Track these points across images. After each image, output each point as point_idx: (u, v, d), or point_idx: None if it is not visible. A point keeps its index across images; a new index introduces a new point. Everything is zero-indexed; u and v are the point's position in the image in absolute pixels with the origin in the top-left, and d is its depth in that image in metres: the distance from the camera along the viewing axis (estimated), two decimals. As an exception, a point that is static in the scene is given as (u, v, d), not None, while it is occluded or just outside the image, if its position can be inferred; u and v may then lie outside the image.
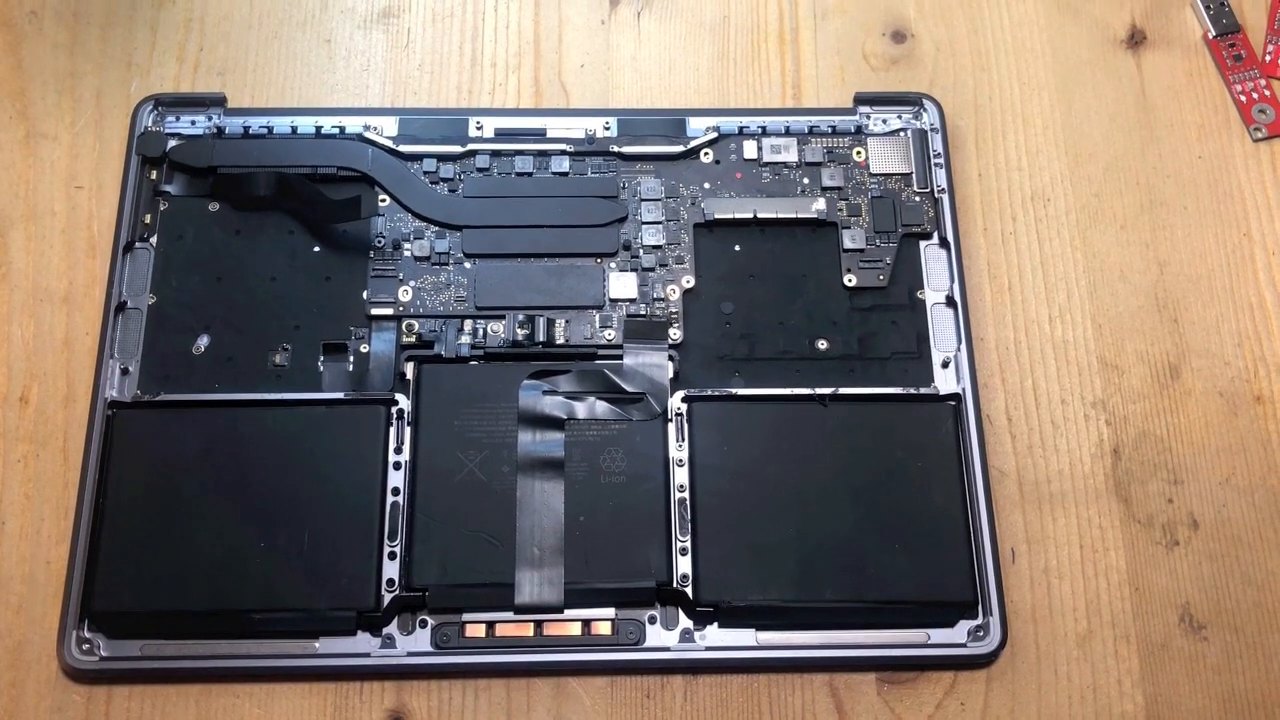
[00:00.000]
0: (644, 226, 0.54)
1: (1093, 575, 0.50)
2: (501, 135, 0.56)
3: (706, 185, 0.55)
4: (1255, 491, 0.52)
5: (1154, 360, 0.54)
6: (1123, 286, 0.55)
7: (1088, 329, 0.54)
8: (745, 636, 0.48)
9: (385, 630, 0.47)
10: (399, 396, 0.50)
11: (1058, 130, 0.58)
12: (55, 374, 0.52)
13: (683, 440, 0.50)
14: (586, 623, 0.48)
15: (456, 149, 0.55)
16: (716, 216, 0.54)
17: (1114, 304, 0.55)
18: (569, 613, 0.48)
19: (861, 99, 0.57)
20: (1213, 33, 0.59)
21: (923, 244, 0.55)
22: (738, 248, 0.54)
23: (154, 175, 0.54)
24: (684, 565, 0.48)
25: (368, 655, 0.47)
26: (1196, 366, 0.54)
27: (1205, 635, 0.49)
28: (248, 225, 0.54)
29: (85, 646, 0.47)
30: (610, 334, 0.52)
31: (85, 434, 0.49)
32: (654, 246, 0.54)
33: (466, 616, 0.48)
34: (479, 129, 0.56)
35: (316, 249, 0.53)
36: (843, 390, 0.51)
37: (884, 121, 0.57)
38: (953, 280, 0.54)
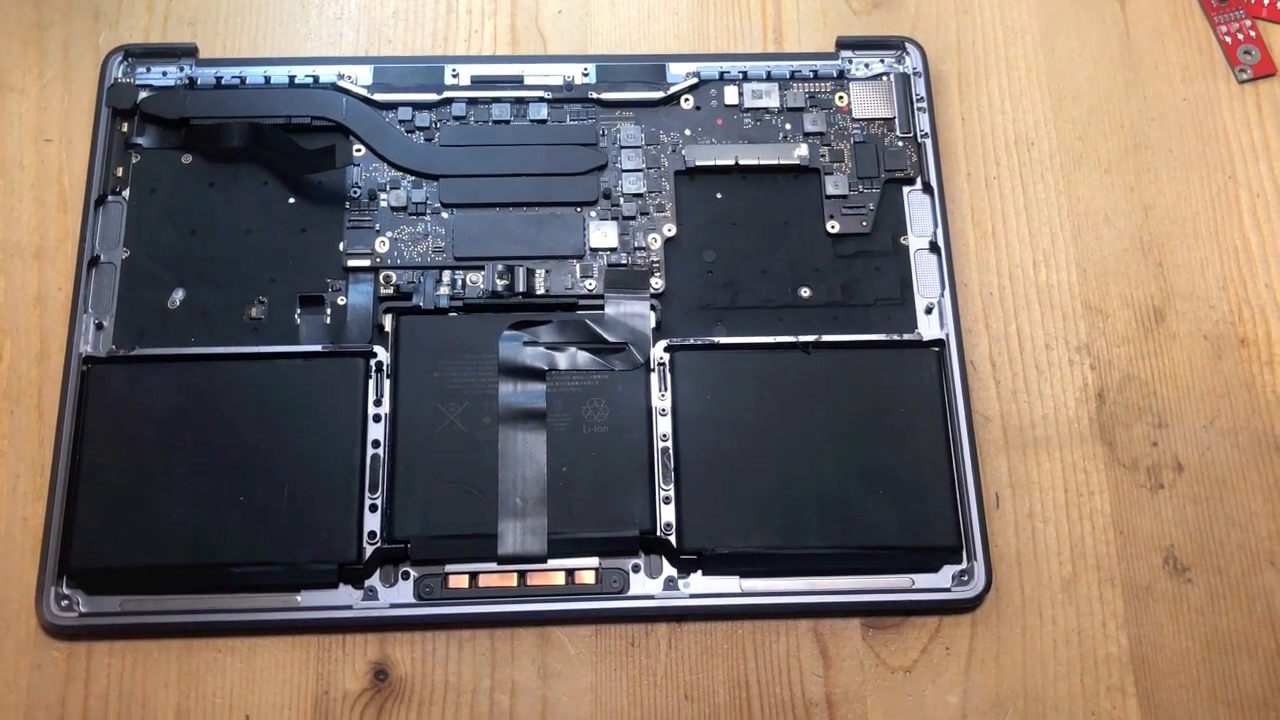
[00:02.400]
0: (624, 174, 0.53)
1: (1077, 519, 0.50)
2: (478, 83, 0.55)
3: (687, 132, 0.54)
4: (1240, 434, 0.51)
5: (1138, 304, 0.54)
6: (1107, 230, 0.55)
7: (1072, 273, 0.54)
8: (729, 584, 0.48)
9: (367, 582, 0.47)
10: (377, 349, 0.50)
11: (1041, 73, 0.57)
12: (28, 330, 0.51)
13: (665, 390, 0.50)
14: (570, 572, 0.48)
15: (432, 97, 0.54)
16: (697, 164, 0.54)
17: (1098, 248, 0.54)
18: (552, 563, 0.47)
19: (843, 43, 0.56)
20: (1198, -27, 0.59)
21: (906, 189, 0.54)
22: (719, 195, 0.54)
23: (125, 128, 0.53)
24: (667, 514, 0.48)
25: (350, 608, 0.47)
26: (1181, 310, 0.54)
27: (1189, 577, 0.49)
28: (221, 177, 0.53)
29: (64, 603, 0.46)
30: (591, 284, 0.52)
31: (60, 390, 0.49)
32: (634, 195, 0.53)
33: (449, 568, 0.47)
34: (455, 77, 0.55)
35: (291, 200, 0.52)
36: (826, 338, 0.51)
37: (866, 66, 0.56)
38: (936, 226, 0.53)
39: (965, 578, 0.48)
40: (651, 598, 0.48)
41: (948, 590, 0.48)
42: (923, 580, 0.48)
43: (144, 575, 0.47)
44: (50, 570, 0.46)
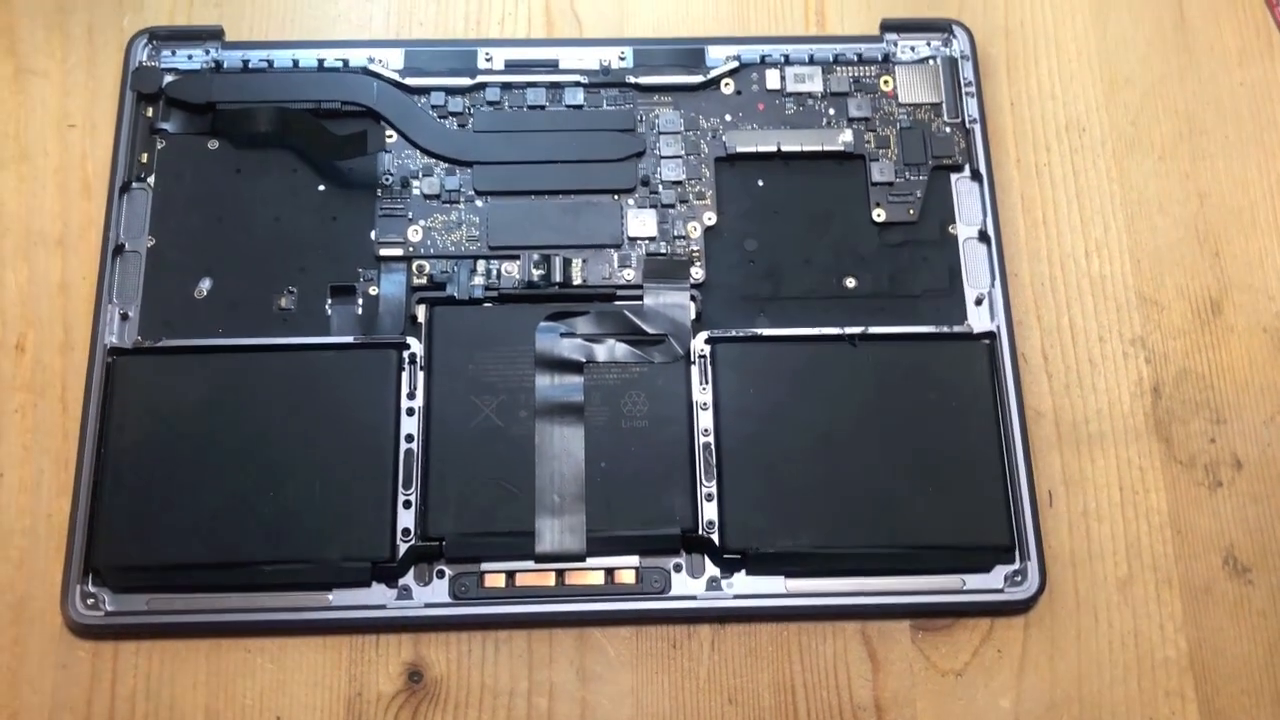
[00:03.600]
0: (663, 161, 0.52)
1: (1133, 518, 0.48)
2: (512, 67, 0.53)
3: (727, 117, 0.53)
4: (1300, 430, 0.50)
5: (1194, 295, 0.52)
6: (1161, 219, 0.53)
7: (1125, 263, 0.52)
8: (774, 584, 0.46)
9: (401, 581, 0.46)
10: (410, 340, 0.48)
11: (1092, 56, 0.55)
12: (51, 320, 0.50)
13: (706, 383, 0.48)
14: (610, 571, 0.46)
15: (465, 81, 0.52)
16: (738, 150, 0.52)
17: (1152, 237, 0.53)
18: (591, 561, 0.46)
19: (888, 25, 0.54)
20: (1254, -47, 0.57)
21: (954, 177, 0.52)
22: (761, 182, 0.52)
23: (150, 112, 0.52)
24: (710, 511, 0.46)
25: (383, 607, 0.45)
26: (1239, 302, 0.52)
27: (1250, 579, 0.48)
28: (249, 163, 0.51)
29: (90, 601, 0.45)
30: (629, 274, 0.50)
31: (84, 382, 0.48)
32: (674, 182, 0.52)
33: (485, 566, 0.46)
34: (488, 60, 0.53)
35: (321, 187, 0.51)
36: (872, 329, 0.49)
37: (912, 49, 0.54)
38: (985, 214, 0.51)
39: (1018, 578, 0.47)
40: (694, 598, 0.46)
41: (1000, 591, 0.46)
42: (974, 581, 0.47)
43: (171, 573, 0.45)
44: (75, 568, 0.45)
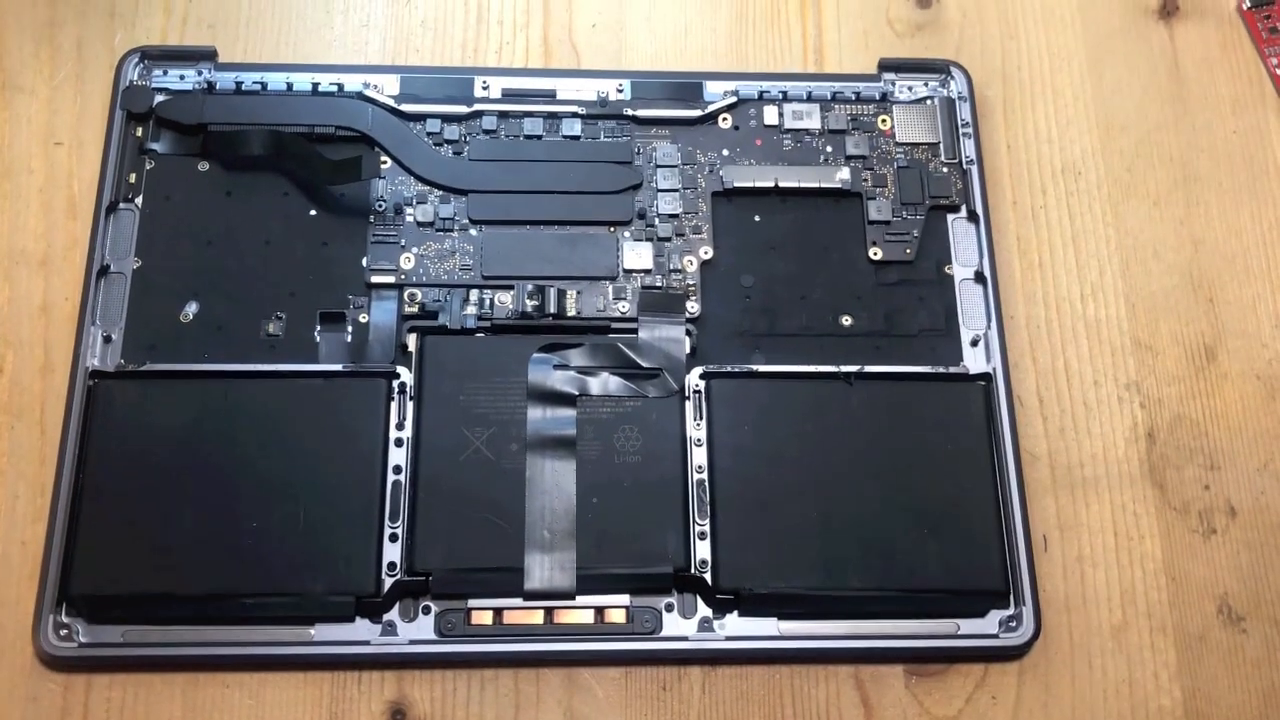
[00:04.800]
0: (659, 194, 0.51)
1: (1127, 564, 0.48)
2: (509, 96, 0.53)
3: (725, 152, 0.52)
4: (1294, 478, 0.50)
5: (1189, 341, 0.52)
6: (1156, 264, 0.53)
7: (1120, 308, 0.52)
8: (767, 626, 0.45)
9: (386, 617, 0.45)
10: (400, 369, 0.47)
11: (1088, 102, 0.56)
12: (32, 341, 0.49)
13: (700, 419, 0.48)
14: (600, 610, 0.45)
15: (462, 109, 0.52)
16: (736, 185, 0.52)
17: (1147, 282, 0.53)
18: (581, 599, 0.45)
19: (886, 65, 0.54)
20: (1247, 4, 0.57)
21: (950, 217, 0.52)
22: (757, 218, 0.52)
23: (139, 132, 0.51)
24: (702, 550, 0.46)
25: (367, 643, 0.44)
26: (1233, 348, 0.52)
27: (1244, 627, 0.47)
28: (239, 186, 0.50)
29: (63, 632, 0.44)
30: (624, 306, 0.50)
31: (64, 405, 0.46)
32: (670, 215, 0.51)
33: (472, 603, 0.45)
34: (485, 89, 0.53)
35: (313, 212, 0.50)
36: (868, 368, 0.48)
37: (910, 89, 0.54)
38: (982, 255, 0.51)
39: (1013, 623, 0.46)
40: (685, 639, 0.45)
41: (995, 636, 0.46)
42: (968, 625, 0.46)
43: (149, 604, 0.44)
44: (49, 597, 0.44)
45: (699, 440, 0.47)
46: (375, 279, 0.49)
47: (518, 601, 0.45)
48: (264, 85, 0.52)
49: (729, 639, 0.45)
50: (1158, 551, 0.48)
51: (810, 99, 0.54)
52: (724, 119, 0.53)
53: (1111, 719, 0.46)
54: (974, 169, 0.53)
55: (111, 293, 0.48)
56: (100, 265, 0.49)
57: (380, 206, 0.50)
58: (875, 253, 0.51)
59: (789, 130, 0.53)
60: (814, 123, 0.53)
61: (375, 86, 0.52)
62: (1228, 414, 0.51)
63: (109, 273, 0.49)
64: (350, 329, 0.48)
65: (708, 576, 0.45)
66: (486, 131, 0.52)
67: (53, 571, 0.44)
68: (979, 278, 0.51)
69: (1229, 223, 0.54)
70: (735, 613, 0.46)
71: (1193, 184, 0.54)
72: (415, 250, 0.50)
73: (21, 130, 0.52)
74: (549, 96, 0.53)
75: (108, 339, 0.48)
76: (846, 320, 0.50)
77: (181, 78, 0.52)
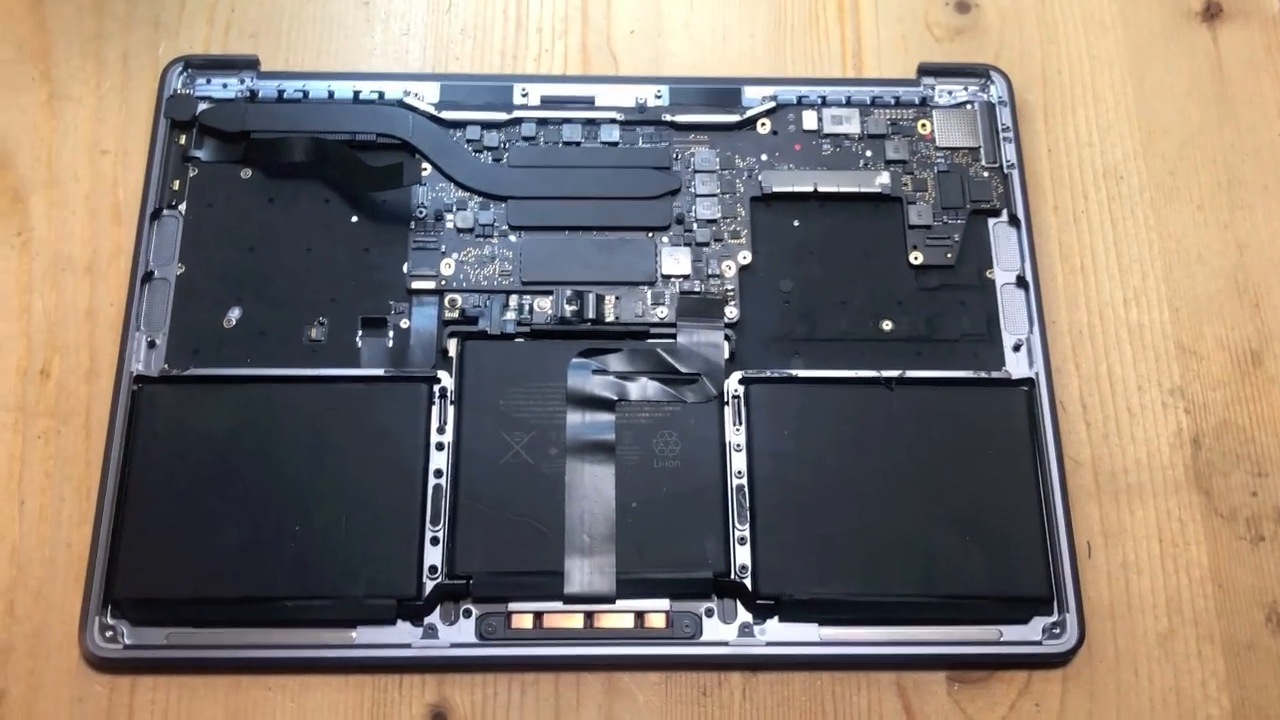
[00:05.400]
0: (698, 199, 0.51)
1: (1173, 571, 0.47)
2: (548, 103, 0.53)
3: (764, 157, 0.52)
4: (1343, 485, 0.49)
5: (1234, 346, 0.51)
6: (1200, 269, 0.52)
7: (1164, 313, 0.52)
8: (808, 631, 0.45)
9: (427, 620, 0.45)
10: (441, 374, 0.48)
11: (1130, 105, 0.55)
12: (78, 346, 0.49)
13: (740, 424, 0.47)
14: (640, 614, 0.45)
15: (501, 116, 0.52)
16: (775, 190, 0.52)
17: (1191, 287, 0.52)
18: (621, 604, 0.45)
19: (926, 69, 0.54)
20: (1291, 6, 0.57)
21: (991, 221, 0.52)
22: (797, 223, 0.52)
23: (183, 140, 0.51)
24: (743, 555, 0.45)
25: (408, 646, 0.44)
26: (1279, 353, 0.51)
27: (1294, 636, 0.47)
28: (282, 193, 0.51)
29: (108, 634, 0.44)
30: (663, 312, 0.50)
31: (109, 409, 0.47)
32: (709, 220, 0.51)
33: (513, 606, 0.45)
34: (524, 96, 0.53)
35: (354, 219, 0.51)
36: (909, 373, 0.48)
37: (949, 93, 0.54)
38: (1023, 260, 0.51)
39: (1057, 630, 0.45)
40: (725, 644, 0.45)
41: (1038, 643, 0.45)
42: (1011, 632, 0.45)
43: (193, 607, 0.44)
44: (95, 599, 0.44)
45: (738, 445, 0.47)
46: (416, 285, 0.49)
47: (558, 605, 0.45)
48: (306, 93, 0.52)
49: (769, 644, 0.45)
50: (1204, 559, 0.48)
51: (849, 104, 0.53)
52: (762, 124, 0.53)
53: (1158, 728, 0.45)
54: (1015, 173, 0.52)
55: (155, 298, 0.49)
56: (144, 271, 0.49)
57: (421, 213, 0.51)
58: (916, 257, 0.51)
59: (828, 135, 0.53)
60: (853, 127, 0.53)
61: (415, 94, 0.53)
62: (1275, 419, 0.50)
63: (153, 279, 0.49)
64: (391, 334, 0.49)
65: (748, 582, 0.45)
66: (526, 138, 0.52)
67: (98, 574, 0.44)
68: (1020, 282, 0.51)
69: (1275, 226, 0.53)
70: (776, 618, 0.45)
71: (1237, 188, 0.54)
72: (455, 256, 0.50)
73: (69, 139, 0.53)
74: (588, 103, 0.53)
75: (152, 344, 0.48)
76: (887, 325, 0.50)
77: (224, 86, 0.53)
